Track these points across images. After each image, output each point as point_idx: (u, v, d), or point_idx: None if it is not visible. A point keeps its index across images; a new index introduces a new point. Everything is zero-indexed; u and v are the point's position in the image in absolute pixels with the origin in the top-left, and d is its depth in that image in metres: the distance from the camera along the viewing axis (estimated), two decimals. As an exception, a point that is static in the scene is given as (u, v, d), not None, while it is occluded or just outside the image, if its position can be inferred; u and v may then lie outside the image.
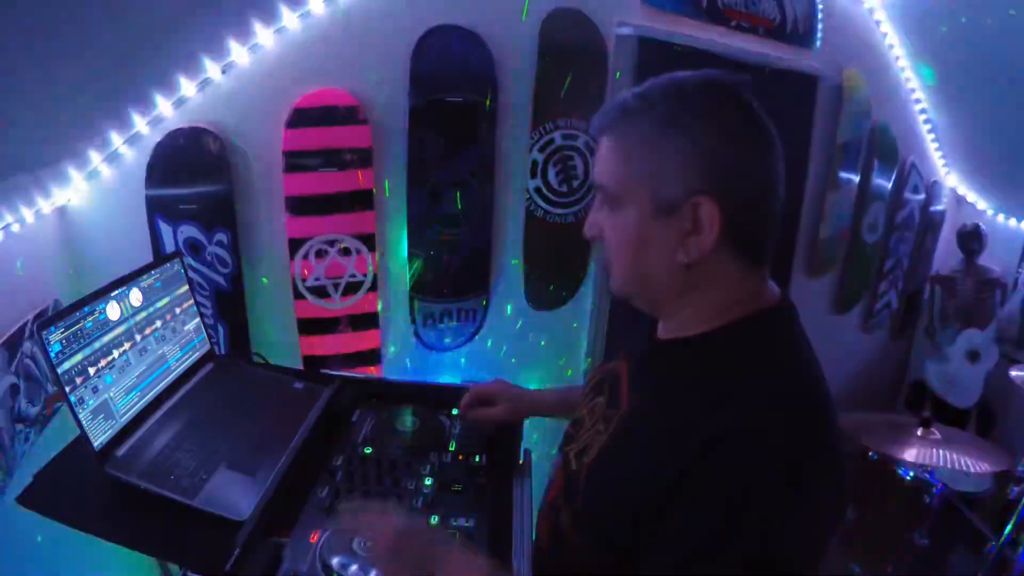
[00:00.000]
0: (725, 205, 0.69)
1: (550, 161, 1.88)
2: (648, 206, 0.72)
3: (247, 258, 1.61)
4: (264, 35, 1.47)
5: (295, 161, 1.58)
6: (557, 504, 0.88)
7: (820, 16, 2.24)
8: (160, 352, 1.14)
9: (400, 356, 1.91)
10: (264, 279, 1.67)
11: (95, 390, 0.97)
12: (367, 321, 1.79)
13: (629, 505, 0.71)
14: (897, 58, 2.50)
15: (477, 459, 1.11)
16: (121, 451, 0.99)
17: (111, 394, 1.00)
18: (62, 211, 1.40)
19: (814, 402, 0.71)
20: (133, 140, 1.43)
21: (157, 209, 1.48)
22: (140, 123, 1.42)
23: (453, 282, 1.88)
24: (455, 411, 1.20)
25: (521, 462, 1.14)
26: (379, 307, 1.80)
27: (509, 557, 0.90)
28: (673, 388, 0.76)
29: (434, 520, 0.96)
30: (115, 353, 1.02)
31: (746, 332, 0.74)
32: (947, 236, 3.01)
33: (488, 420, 1.16)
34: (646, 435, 0.74)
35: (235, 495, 0.95)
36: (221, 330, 1.60)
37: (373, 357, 1.83)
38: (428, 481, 1.04)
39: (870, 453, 2.09)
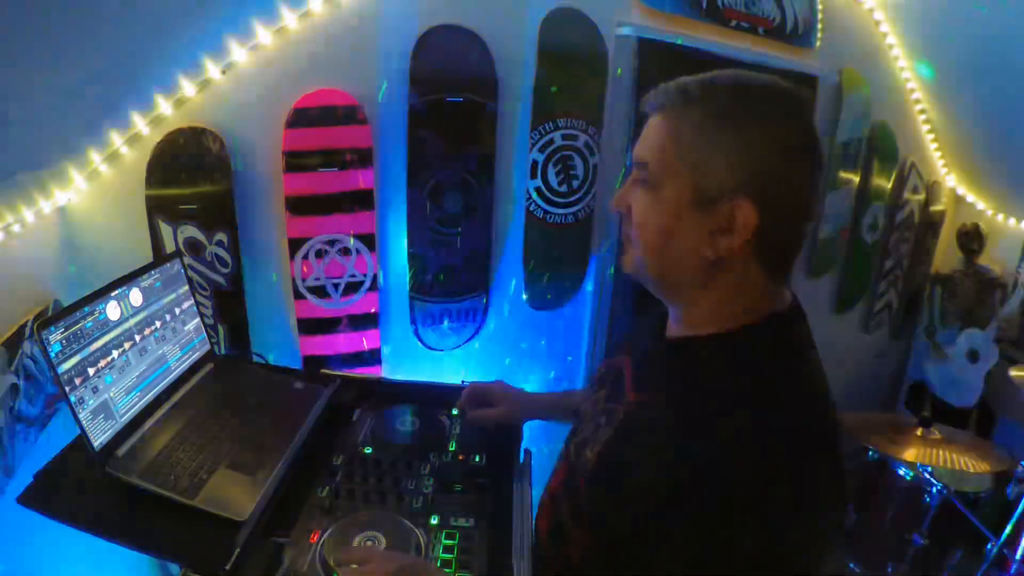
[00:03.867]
0: (762, 212, 0.68)
1: (550, 161, 1.88)
2: (687, 194, 0.71)
3: (247, 258, 1.61)
4: (264, 35, 1.47)
5: (295, 161, 1.58)
6: (558, 495, 0.88)
7: (820, 16, 2.23)
8: (160, 352, 1.14)
9: (400, 356, 1.91)
10: (274, 275, 1.68)
11: (95, 390, 0.97)
12: (367, 321, 1.79)
13: (632, 503, 0.71)
14: (897, 58, 2.50)
15: (477, 459, 1.12)
16: (121, 451, 0.99)
17: (111, 394, 1.00)
18: (62, 211, 1.40)
19: (822, 409, 0.71)
20: (133, 140, 1.43)
21: (157, 209, 1.48)
22: (140, 123, 1.42)
23: (453, 282, 1.88)
24: (455, 411, 1.21)
25: (521, 462, 1.14)
26: (379, 307, 1.80)
27: (509, 557, 0.90)
28: (681, 387, 0.75)
29: (434, 520, 0.96)
30: (115, 353, 1.02)
31: (757, 336, 0.74)
32: (947, 236, 3.00)
33: (486, 420, 1.16)
34: (651, 435, 0.74)
35: (235, 495, 0.95)
36: (221, 330, 1.60)
37: (373, 357, 1.83)
38: (428, 481, 1.04)
39: (870, 453, 2.09)
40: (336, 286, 1.72)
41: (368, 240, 1.72)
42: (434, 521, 0.96)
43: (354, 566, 0.81)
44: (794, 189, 0.70)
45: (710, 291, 0.75)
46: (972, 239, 2.78)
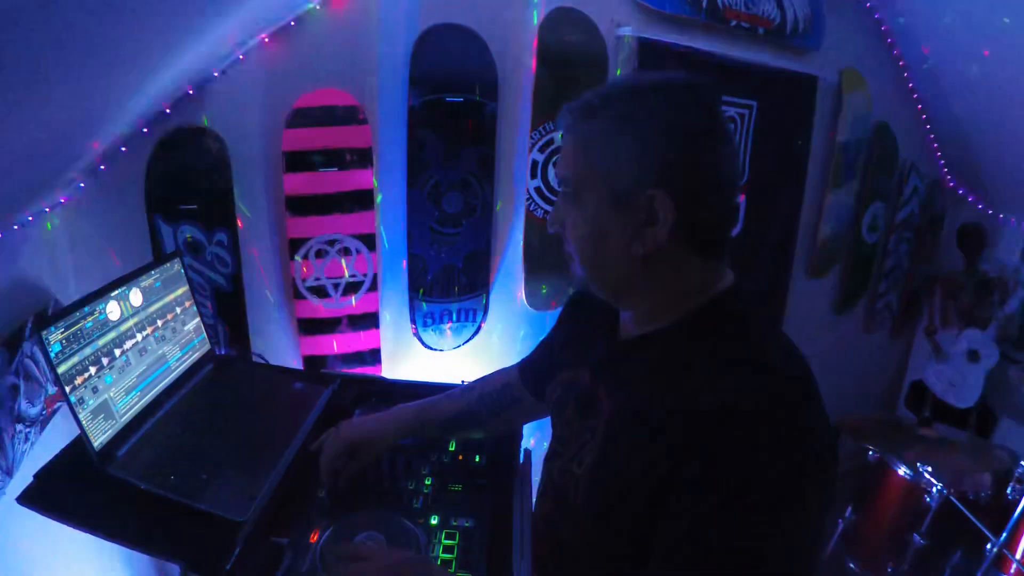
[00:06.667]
0: (678, 198, 0.72)
1: (550, 161, 1.88)
2: (606, 198, 0.75)
3: (247, 258, 1.61)
4: (264, 35, 1.47)
5: (295, 161, 1.58)
6: (553, 518, 0.88)
7: (820, 16, 2.24)
8: (160, 352, 1.14)
9: (400, 356, 1.91)
10: (272, 276, 1.67)
11: (95, 390, 0.97)
12: (367, 321, 1.79)
13: (633, 498, 0.72)
14: (897, 58, 2.50)
15: (477, 459, 1.12)
16: (121, 451, 0.99)
17: (111, 394, 1.00)
18: (62, 211, 1.40)
19: (800, 366, 0.73)
20: (133, 140, 1.43)
21: (157, 209, 1.48)
22: (140, 123, 1.42)
23: (453, 282, 1.88)
24: (321, 494, 1.01)
25: (521, 462, 1.14)
26: (379, 307, 1.80)
27: (509, 557, 0.90)
28: (657, 379, 0.77)
29: (434, 520, 0.96)
30: (115, 353, 1.02)
31: (717, 314, 0.77)
32: (947, 236, 3.00)
33: (354, 472, 1.04)
34: (641, 429, 0.75)
35: (235, 495, 0.95)
36: (221, 330, 1.60)
37: (373, 357, 1.83)
38: (428, 481, 1.04)
39: (870, 453, 2.09)
40: (336, 286, 1.72)
41: (368, 240, 1.72)
42: (434, 521, 0.96)
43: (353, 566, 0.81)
44: (704, 170, 0.73)
45: (652, 287, 0.78)
46: (972, 239, 2.77)
